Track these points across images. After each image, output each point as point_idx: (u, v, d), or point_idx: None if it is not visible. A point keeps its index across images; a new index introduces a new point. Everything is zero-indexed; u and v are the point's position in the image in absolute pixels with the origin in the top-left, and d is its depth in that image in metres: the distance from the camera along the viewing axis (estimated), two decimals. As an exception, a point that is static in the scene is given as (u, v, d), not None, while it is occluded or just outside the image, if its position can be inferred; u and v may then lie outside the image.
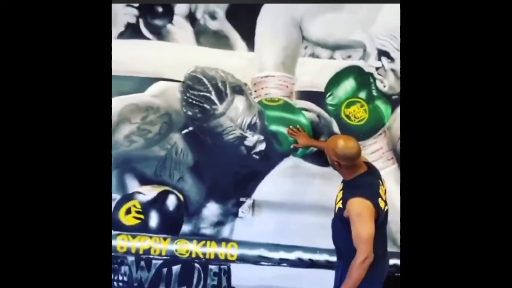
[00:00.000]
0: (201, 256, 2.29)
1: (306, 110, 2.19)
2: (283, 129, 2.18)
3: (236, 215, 2.27)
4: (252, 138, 2.16)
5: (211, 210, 2.28)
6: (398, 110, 2.16)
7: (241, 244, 2.28)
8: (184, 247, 2.29)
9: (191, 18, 2.19)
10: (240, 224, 2.27)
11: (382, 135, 2.18)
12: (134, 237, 2.31)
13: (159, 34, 2.20)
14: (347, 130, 2.14)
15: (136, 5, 2.17)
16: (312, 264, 2.24)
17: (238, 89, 2.14)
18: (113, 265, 2.30)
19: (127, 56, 2.15)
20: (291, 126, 2.15)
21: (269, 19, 2.15)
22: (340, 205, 1.72)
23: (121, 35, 2.19)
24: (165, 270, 2.32)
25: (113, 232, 2.27)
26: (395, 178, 2.18)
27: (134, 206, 2.30)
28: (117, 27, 2.17)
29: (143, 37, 2.20)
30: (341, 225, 1.71)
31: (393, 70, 2.12)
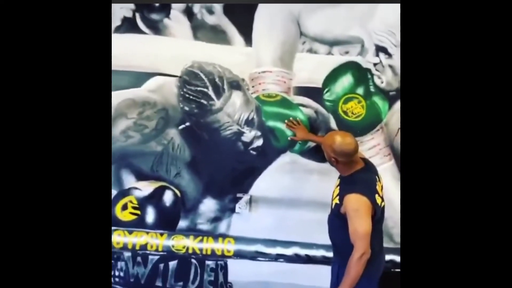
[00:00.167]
0: (198, 251, 2.29)
1: (303, 106, 2.18)
2: (281, 125, 2.18)
3: (233, 210, 2.27)
4: (249, 134, 2.16)
5: (208, 205, 2.28)
6: (395, 106, 2.16)
7: (238, 239, 2.28)
8: (181, 242, 2.29)
9: (188, 12, 2.17)
10: (237, 220, 2.27)
11: (380, 131, 2.18)
12: (130, 232, 2.30)
13: (156, 28, 2.19)
14: (345, 126, 2.14)
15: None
16: (309, 259, 2.25)
17: (236, 85, 2.13)
18: (109, 261, 2.30)
19: (123, 50, 2.13)
20: (290, 118, 2.14)
21: (266, 14, 2.13)
22: (337, 201, 1.72)
23: (118, 29, 2.17)
24: (161, 265, 2.32)
25: (109, 228, 2.26)
26: (392, 174, 2.18)
27: (131, 201, 2.29)
28: (113, 21, 2.15)
29: (139, 31, 2.18)
30: (338, 221, 1.71)
31: (390, 66, 2.12)
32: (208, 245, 2.29)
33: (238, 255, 2.28)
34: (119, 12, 2.16)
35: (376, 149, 2.18)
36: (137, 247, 2.31)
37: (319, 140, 2.04)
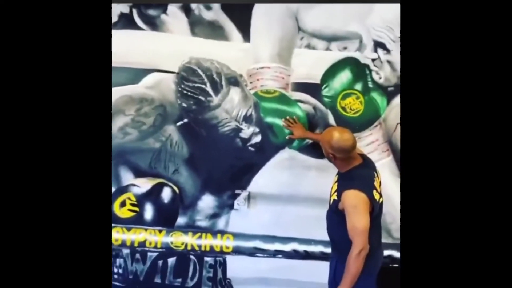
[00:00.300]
0: (197, 248, 2.29)
1: (302, 102, 2.18)
2: (279, 121, 2.17)
3: (231, 207, 2.27)
4: (247, 130, 2.16)
5: (207, 202, 2.28)
6: (393, 102, 2.16)
7: (236, 236, 2.28)
8: (179, 239, 2.29)
9: (186, 8, 2.16)
10: (236, 216, 2.27)
11: (378, 127, 2.18)
12: (129, 229, 2.30)
13: (153, 24, 2.17)
14: (343, 122, 2.13)
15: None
16: (307, 255, 2.25)
17: (234, 81, 2.13)
18: (108, 258, 2.29)
19: (120, 46, 2.11)
20: (287, 117, 2.14)
21: (265, 10, 2.12)
22: (335, 197, 1.73)
23: (114, 25, 2.16)
24: (160, 262, 2.32)
25: (108, 225, 2.26)
26: (391, 170, 2.18)
27: (129, 198, 2.29)
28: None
29: (136, 27, 2.17)
30: (336, 217, 1.71)
31: (389, 62, 2.12)
32: (207, 241, 2.29)
33: (237, 251, 2.28)
34: (116, 8, 2.15)
35: (374, 145, 2.18)
36: (136, 244, 2.31)
37: (317, 138, 2.04)
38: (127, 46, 2.16)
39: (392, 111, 2.17)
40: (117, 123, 2.20)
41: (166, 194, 2.28)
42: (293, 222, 2.23)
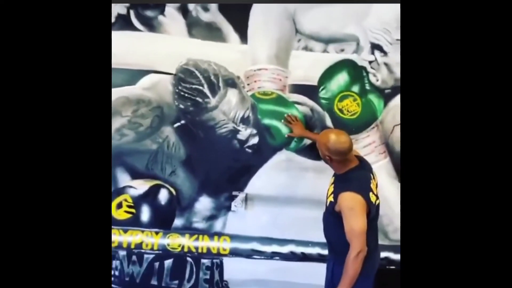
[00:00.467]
0: (194, 250, 2.29)
1: (299, 103, 2.18)
2: (276, 123, 2.17)
3: (228, 209, 2.26)
4: (245, 132, 2.16)
5: (204, 204, 2.27)
6: (390, 104, 2.17)
7: (233, 237, 2.28)
8: (176, 241, 2.28)
9: (183, 9, 2.16)
10: (233, 218, 2.27)
11: (375, 129, 2.19)
12: (125, 231, 2.29)
13: (151, 25, 2.17)
14: (340, 124, 2.14)
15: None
16: (304, 257, 2.25)
17: (231, 82, 2.13)
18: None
19: (117, 48, 2.10)
20: (289, 114, 2.14)
21: (262, 12, 2.13)
22: (331, 199, 1.72)
23: (112, 26, 2.15)
24: (157, 264, 2.31)
25: (104, 227, 2.25)
26: (387, 171, 2.19)
27: (126, 200, 2.28)
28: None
29: (134, 28, 2.17)
30: (333, 219, 1.71)
31: (386, 64, 2.12)
32: (204, 243, 2.28)
33: (234, 253, 2.28)
34: (113, 9, 2.14)
35: (371, 147, 2.19)
36: (132, 246, 2.30)
37: (315, 138, 2.04)
38: (124, 47, 2.16)
39: (389, 113, 2.17)
40: (114, 124, 2.19)
41: (163, 196, 2.27)
42: (291, 224, 2.23)
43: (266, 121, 2.18)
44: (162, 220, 2.29)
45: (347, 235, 1.63)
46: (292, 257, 2.26)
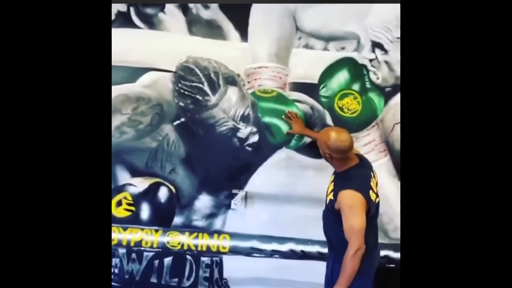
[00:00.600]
0: (193, 248, 2.29)
1: (299, 101, 2.18)
2: (276, 121, 2.17)
3: (228, 207, 2.26)
4: (245, 130, 2.15)
5: (203, 202, 2.27)
6: (391, 102, 2.16)
7: (233, 236, 2.28)
8: (176, 239, 2.28)
9: (183, 6, 2.15)
10: (233, 216, 2.27)
11: (375, 127, 2.19)
12: (125, 229, 2.29)
13: (151, 23, 2.17)
14: (340, 122, 2.14)
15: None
16: (304, 255, 2.25)
17: (231, 80, 2.12)
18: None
19: (117, 45, 2.09)
20: (290, 110, 2.13)
21: (262, 9, 2.12)
22: (331, 197, 1.72)
23: (112, 24, 2.14)
24: (156, 262, 2.31)
25: (104, 224, 2.24)
26: (388, 170, 2.19)
27: (125, 198, 2.28)
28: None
29: (134, 26, 2.16)
30: (332, 217, 1.71)
31: (386, 62, 2.12)
32: (203, 241, 2.28)
33: (234, 251, 2.28)
34: (113, 6, 2.14)
35: (371, 145, 2.18)
36: (132, 244, 2.30)
37: (315, 136, 2.04)
38: (124, 45, 2.15)
39: (390, 111, 2.17)
40: (113, 122, 2.18)
41: (163, 194, 2.27)
42: (290, 222, 2.23)
43: (266, 119, 2.18)
44: (161, 218, 2.29)
45: (345, 233, 1.63)
46: (291, 255, 2.26)
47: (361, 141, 2.16)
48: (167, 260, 2.31)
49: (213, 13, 2.14)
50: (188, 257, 2.30)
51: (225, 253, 2.28)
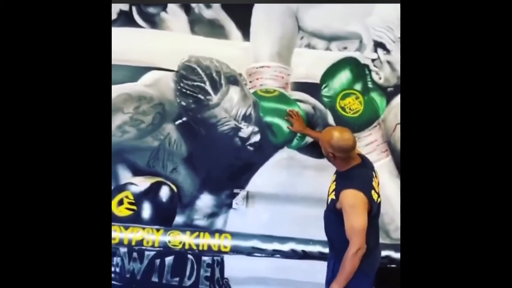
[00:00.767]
0: (194, 247, 2.29)
1: (301, 101, 2.18)
2: (278, 121, 2.17)
3: (230, 206, 2.26)
4: (246, 129, 2.15)
5: (205, 201, 2.27)
6: (393, 102, 2.16)
7: (234, 235, 2.28)
8: (177, 238, 2.28)
9: (186, 6, 2.15)
10: (234, 216, 2.27)
11: (377, 127, 2.18)
12: (126, 228, 2.29)
13: (153, 22, 2.17)
14: (342, 122, 2.13)
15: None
16: (305, 255, 2.25)
17: (233, 80, 2.12)
18: (105, 256, 2.28)
19: (119, 44, 2.11)
20: (291, 109, 2.13)
21: (265, 9, 2.12)
22: (333, 196, 1.72)
23: (114, 23, 2.15)
24: (158, 261, 2.31)
25: (105, 223, 2.25)
26: (389, 170, 2.18)
27: (127, 197, 2.28)
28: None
29: (136, 25, 2.17)
30: (334, 217, 1.71)
31: (389, 62, 2.12)
32: (205, 240, 2.28)
33: (235, 250, 2.28)
34: (115, 5, 2.14)
35: (373, 145, 2.18)
36: (133, 243, 2.30)
37: (316, 135, 2.04)
38: (126, 44, 2.15)
39: (392, 111, 2.17)
40: (115, 121, 2.19)
41: (164, 193, 2.27)
42: (291, 222, 2.23)
43: (268, 118, 2.18)
44: (163, 217, 2.29)
45: (347, 232, 1.63)
46: (293, 255, 2.26)
47: (363, 141, 2.16)
48: (168, 259, 2.31)
49: (215, 12, 2.14)
50: (189, 256, 2.30)
51: (226, 253, 2.28)
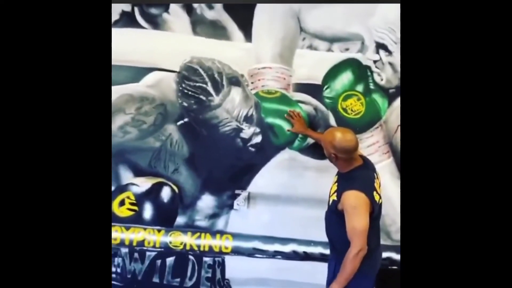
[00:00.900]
0: (196, 248, 2.29)
1: (303, 102, 2.18)
2: (280, 122, 2.17)
3: (231, 207, 2.26)
4: (248, 130, 2.15)
5: (206, 202, 2.27)
6: (395, 104, 2.16)
7: (235, 236, 2.28)
8: (178, 239, 2.28)
9: (188, 7, 2.16)
10: (235, 217, 2.27)
11: (379, 128, 2.18)
12: (128, 228, 2.29)
13: (155, 23, 2.17)
14: (344, 123, 2.13)
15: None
16: (306, 256, 2.25)
17: (235, 81, 2.12)
18: (106, 257, 2.28)
19: (121, 45, 2.11)
20: (292, 109, 2.13)
21: (267, 10, 2.12)
22: (334, 197, 1.72)
23: (116, 24, 2.15)
24: (159, 262, 2.31)
25: (106, 224, 2.25)
26: (391, 171, 2.18)
27: (128, 197, 2.28)
28: (112, 16, 2.12)
29: (138, 26, 2.17)
30: (335, 218, 1.71)
31: (390, 63, 2.12)
32: (206, 241, 2.28)
33: (236, 251, 2.28)
34: (117, 6, 2.15)
35: (375, 147, 2.18)
36: (134, 243, 2.30)
37: (316, 136, 2.04)
38: (128, 45, 2.16)
39: (393, 113, 2.17)
40: (117, 121, 2.19)
41: (166, 194, 2.27)
42: (293, 223, 2.23)
43: (270, 119, 2.18)
44: (164, 218, 2.29)
45: (348, 234, 1.63)
46: (294, 256, 2.26)
47: (364, 143, 2.16)
48: (170, 260, 2.31)
49: (217, 13, 2.15)
50: (191, 257, 2.30)
51: (227, 254, 2.28)
